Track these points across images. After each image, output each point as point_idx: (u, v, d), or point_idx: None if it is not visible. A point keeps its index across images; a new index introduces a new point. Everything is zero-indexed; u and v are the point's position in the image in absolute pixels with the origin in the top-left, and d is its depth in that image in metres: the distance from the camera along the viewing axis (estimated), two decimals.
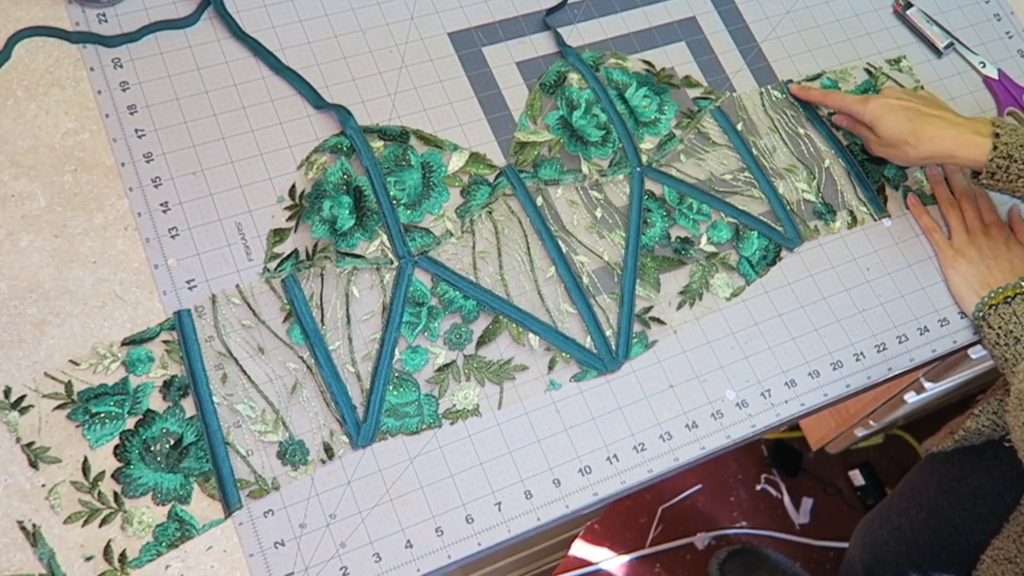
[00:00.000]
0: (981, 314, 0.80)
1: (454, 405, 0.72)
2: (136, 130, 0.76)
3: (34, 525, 0.63)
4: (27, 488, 0.64)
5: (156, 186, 0.74)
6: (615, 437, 0.73)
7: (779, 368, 0.79)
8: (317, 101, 0.80)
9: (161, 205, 0.74)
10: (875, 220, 0.87)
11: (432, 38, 0.86)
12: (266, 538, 0.65)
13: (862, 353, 0.81)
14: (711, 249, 0.82)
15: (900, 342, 0.82)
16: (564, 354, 0.75)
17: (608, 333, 0.77)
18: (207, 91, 0.78)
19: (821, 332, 0.81)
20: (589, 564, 1.40)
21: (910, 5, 0.97)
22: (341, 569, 0.66)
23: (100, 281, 0.70)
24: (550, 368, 0.75)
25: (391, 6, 0.86)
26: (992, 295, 0.80)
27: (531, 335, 0.76)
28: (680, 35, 0.91)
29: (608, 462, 0.72)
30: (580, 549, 1.40)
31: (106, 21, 0.79)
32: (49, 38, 0.77)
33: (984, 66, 0.95)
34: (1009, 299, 0.78)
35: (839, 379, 0.79)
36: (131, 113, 0.76)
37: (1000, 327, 0.78)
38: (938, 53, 0.96)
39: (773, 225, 0.84)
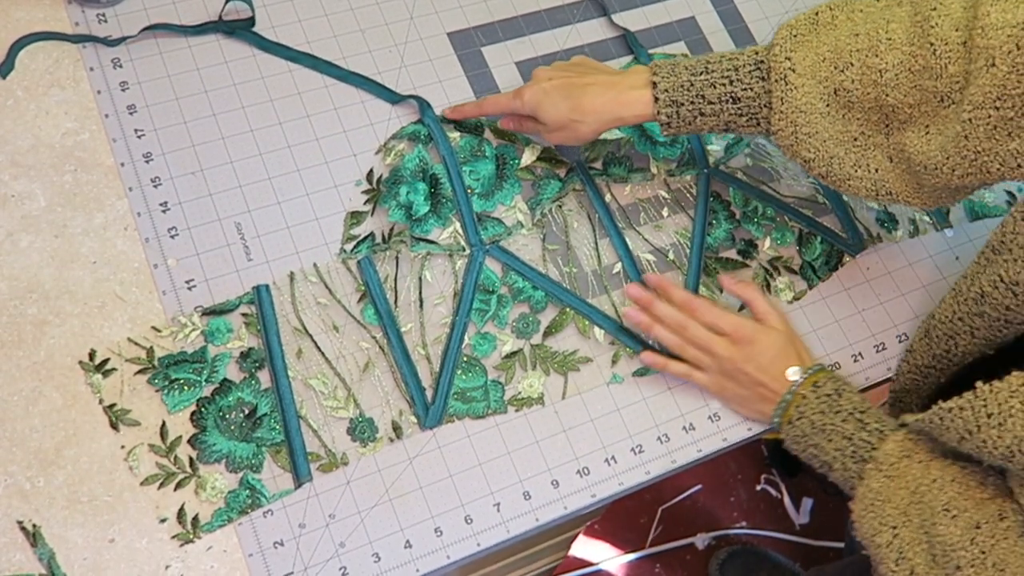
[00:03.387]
0: (780, 431, 0.73)
1: (519, 392, 0.74)
2: (136, 130, 0.76)
3: (34, 525, 0.63)
4: (27, 488, 0.64)
5: (156, 186, 0.74)
6: (613, 439, 0.73)
7: None
8: (391, 96, 0.82)
9: (160, 205, 0.74)
10: (937, 230, 0.87)
11: (431, 38, 0.86)
12: (265, 538, 0.66)
13: (860, 354, 0.81)
14: (774, 253, 0.83)
15: (900, 341, 0.82)
16: (628, 349, 0.76)
17: None
18: (206, 91, 0.79)
19: (819, 333, 0.81)
20: (589, 564, 1.40)
21: None
22: (340, 569, 0.66)
23: (100, 281, 0.71)
24: (613, 362, 0.76)
25: (390, 6, 0.86)
26: (779, 411, 0.72)
27: (596, 328, 0.77)
28: (679, 35, 0.91)
29: (606, 464, 0.73)
30: (580, 549, 1.40)
31: (106, 21, 0.79)
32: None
33: None
34: (792, 419, 0.71)
35: None
36: (131, 113, 0.76)
37: (797, 440, 0.71)
38: None
39: (837, 231, 0.84)
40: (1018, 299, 0.61)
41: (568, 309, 0.77)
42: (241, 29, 0.81)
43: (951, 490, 0.61)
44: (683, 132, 0.72)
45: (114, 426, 0.66)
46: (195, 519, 0.65)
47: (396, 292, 0.75)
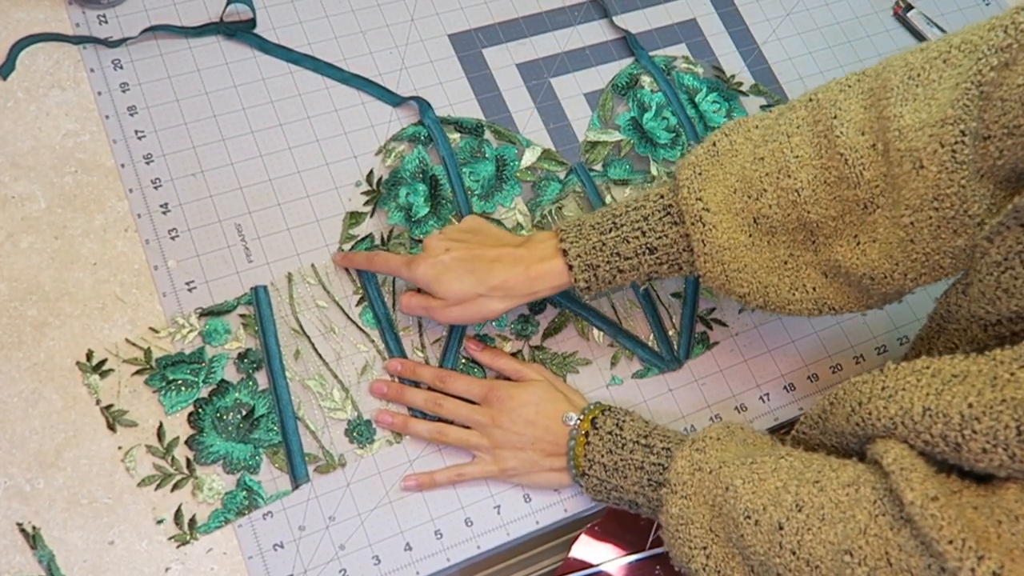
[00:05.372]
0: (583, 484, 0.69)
1: None
2: (136, 131, 0.76)
3: (34, 527, 0.63)
4: (27, 490, 0.64)
5: (156, 187, 0.74)
6: None
7: (778, 371, 0.78)
8: (392, 98, 0.82)
9: (161, 206, 0.74)
10: None
11: (432, 40, 0.86)
12: (265, 540, 0.65)
13: (862, 356, 0.81)
14: None
15: (901, 344, 0.82)
16: (627, 351, 0.76)
17: (671, 333, 0.78)
18: (207, 92, 0.78)
19: (821, 335, 0.81)
20: (590, 566, 1.40)
21: (910, 7, 0.97)
22: (340, 571, 0.66)
23: (100, 283, 0.70)
24: (612, 364, 0.76)
25: (391, 8, 0.86)
26: (571, 461, 0.68)
27: (595, 330, 0.77)
28: (680, 37, 0.91)
29: None
30: (580, 551, 1.40)
31: (106, 22, 0.79)
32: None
33: None
34: (585, 470, 0.67)
35: (837, 383, 0.79)
36: (131, 114, 0.76)
37: (598, 489, 0.68)
38: None
39: None
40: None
41: (567, 311, 0.77)
42: (242, 31, 0.81)
43: (745, 494, 0.58)
44: (602, 291, 0.69)
45: (111, 427, 0.66)
46: (192, 520, 0.65)
47: (395, 295, 0.75)
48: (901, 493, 0.50)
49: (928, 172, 0.57)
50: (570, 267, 0.67)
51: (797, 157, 0.62)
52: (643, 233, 0.66)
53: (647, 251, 0.66)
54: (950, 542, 0.47)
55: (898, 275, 0.61)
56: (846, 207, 0.62)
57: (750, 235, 0.64)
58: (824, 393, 0.74)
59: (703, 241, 0.64)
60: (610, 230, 0.67)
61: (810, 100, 0.64)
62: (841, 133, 0.60)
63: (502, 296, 0.68)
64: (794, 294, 0.66)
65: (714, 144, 0.66)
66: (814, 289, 0.65)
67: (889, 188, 0.60)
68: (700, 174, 0.65)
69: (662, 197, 0.66)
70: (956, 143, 0.56)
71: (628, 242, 0.66)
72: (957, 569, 0.47)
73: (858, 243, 0.62)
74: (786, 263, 0.65)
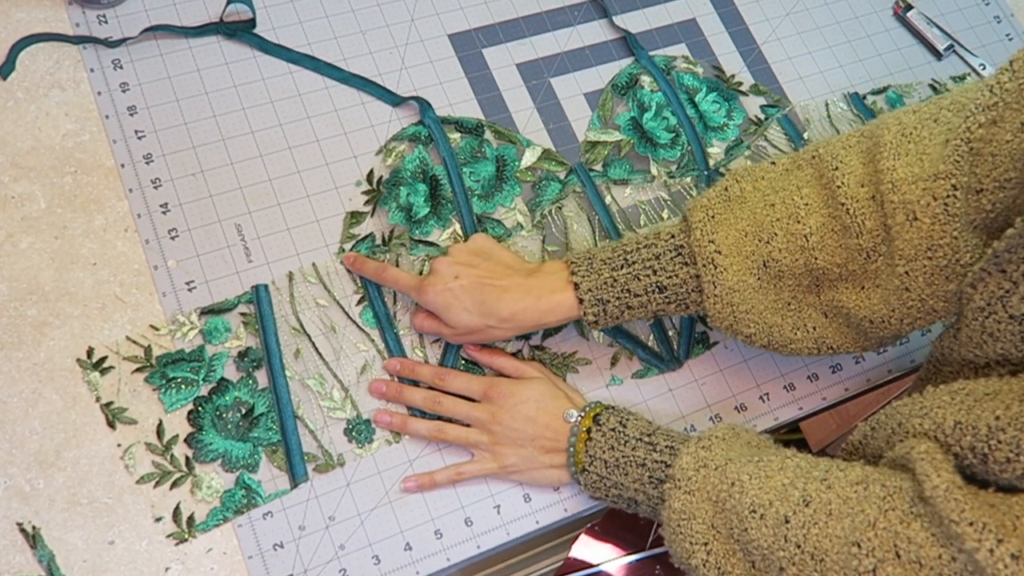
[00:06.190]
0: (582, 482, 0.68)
1: None
2: (136, 131, 0.76)
3: (34, 527, 0.63)
4: (27, 490, 0.64)
5: (156, 187, 0.74)
6: None
7: (778, 371, 0.79)
8: (392, 98, 0.81)
9: (161, 206, 0.74)
10: None
11: (432, 40, 0.86)
12: (265, 540, 0.66)
13: (862, 357, 0.81)
14: None
15: (900, 343, 0.82)
16: (627, 351, 0.76)
17: (671, 333, 0.78)
18: (207, 92, 0.78)
19: None
20: (590, 566, 1.40)
21: (910, 7, 0.97)
22: (340, 571, 0.66)
23: (100, 283, 0.71)
24: (612, 364, 0.76)
25: (391, 8, 0.86)
26: (571, 459, 0.68)
27: (595, 330, 0.76)
28: (680, 37, 0.91)
29: None
30: (580, 551, 1.40)
31: (106, 22, 0.79)
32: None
33: (984, 68, 0.95)
34: (585, 466, 0.67)
35: (837, 383, 0.79)
36: (131, 114, 0.76)
37: (596, 485, 0.67)
38: (938, 55, 0.96)
39: None
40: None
41: None
42: (242, 31, 0.81)
43: (752, 489, 0.58)
44: (609, 325, 0.70)
45: (111, 424, 0.66)
46: (190, 518, 0.65)
47: (395, 295, 0.75)
48: (926, 477, 0.51)
49: (922, 224, 0.59)
50: (580, 300, 0.68)
51: (807, 204, 0.64)
52: (654, 272, 0.67)
53: (657, 289, 0.67)
54: (970, 524, 0.48)
55: (895, 320, 0.64)
56: (850, 255, 0.64)
57: (758, 278, 0.66)
58: (826, 396, 0.74)
59: (714, 283, 0.65)
60: (621, 267, 0.68)
61: (812, 157, 0.66)
62: (842, 184, 0.63)
63: (511, 327, 0.69)
64: (796, 333, 0.67)
65: (726, 189, 0.68)
66: (814, 328, 0.67)
67: (887, 238, 0.62)
68: (713, 217, 0.66)
69: (673, 237, 0.68)
70: (948, 196, 0.58)
71: (639, 280, 0.67)
72: (975, 550, 0.47)
73: (862, 288, 0.65)
74: (789, 304, 0.67)
